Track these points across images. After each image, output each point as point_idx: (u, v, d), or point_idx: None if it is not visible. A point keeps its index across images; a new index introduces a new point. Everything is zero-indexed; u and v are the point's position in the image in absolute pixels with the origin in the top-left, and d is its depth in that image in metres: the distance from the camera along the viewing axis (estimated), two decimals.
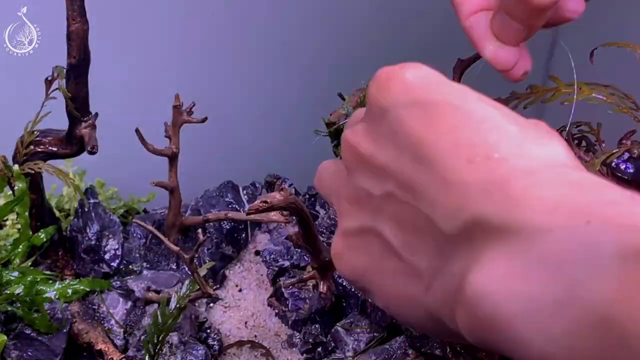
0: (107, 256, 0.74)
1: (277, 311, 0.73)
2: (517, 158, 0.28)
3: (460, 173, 0.28)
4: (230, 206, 0.79)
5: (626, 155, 0.55)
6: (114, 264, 0.74)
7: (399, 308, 0.33)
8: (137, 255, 0.76)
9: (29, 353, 0.63)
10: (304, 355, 0.69)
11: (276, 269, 0.75)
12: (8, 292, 0.62)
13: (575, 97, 0.55)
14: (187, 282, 0.64)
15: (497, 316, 0.26)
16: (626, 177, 0.56)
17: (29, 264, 0.67)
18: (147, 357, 0.61)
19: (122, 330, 0.69)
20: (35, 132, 0.64)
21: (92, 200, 0.74)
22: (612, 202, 0.25)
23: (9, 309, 0.63)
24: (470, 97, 0.31)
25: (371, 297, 0.36)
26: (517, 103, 0.57)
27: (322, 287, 0.65)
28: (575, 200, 0.26)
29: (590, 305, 0.23)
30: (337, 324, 0.68)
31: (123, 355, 0.65)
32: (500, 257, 0.26)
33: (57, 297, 0.65)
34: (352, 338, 0.67)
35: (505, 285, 0.26)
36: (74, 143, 0.64)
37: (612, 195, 0.26)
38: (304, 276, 0.68)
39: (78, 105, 0.62)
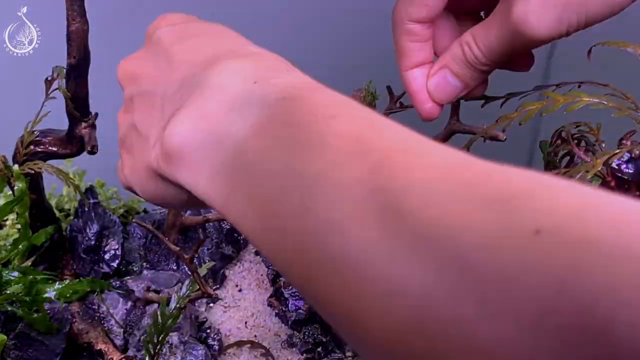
0: (107, 256, 0.73)
1: (277, 311, 0.73)
2: (231, 54, 0.37)
3: (188, 61, 0.38)
4: None
5: (626, 156, 0.55)
6: (114, 264, 0.74)
7: (143, 183, 0.39)
8: (137, 255, 0.76)
9: (29, 353, 0.63)
10: (304, 355, 0.69)
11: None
12: (8, 292, 0.62)
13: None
14: (187, 282, 0.64)
15: (183, 148, 0.33)
16: (626, 178, 0.56)
17: (29, 264, 0.67)
18: (147, 357, 0.61)
19: (122, 330, 0.69)
20: (35, 132, 0.64)
21: (92, 200, 0.74)
22: (274, 71, 0.35)
23: (9, 309, 0.63)
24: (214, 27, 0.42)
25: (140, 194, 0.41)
26: (509, 122, 0.57)
27: None
28: (255, 73, 0.34)
29: (233, 139, 0.32)
30: None
31: (123, 355, 0.65)
32: (196, 104, 0.34)
33: (57, 297, 0.65)
34: None
35: (194, 123, 0.33)
36: (74, 143, 0.64)
37: (278, 67, 0.36)
38: None
39: (78, 105, 0.62)
